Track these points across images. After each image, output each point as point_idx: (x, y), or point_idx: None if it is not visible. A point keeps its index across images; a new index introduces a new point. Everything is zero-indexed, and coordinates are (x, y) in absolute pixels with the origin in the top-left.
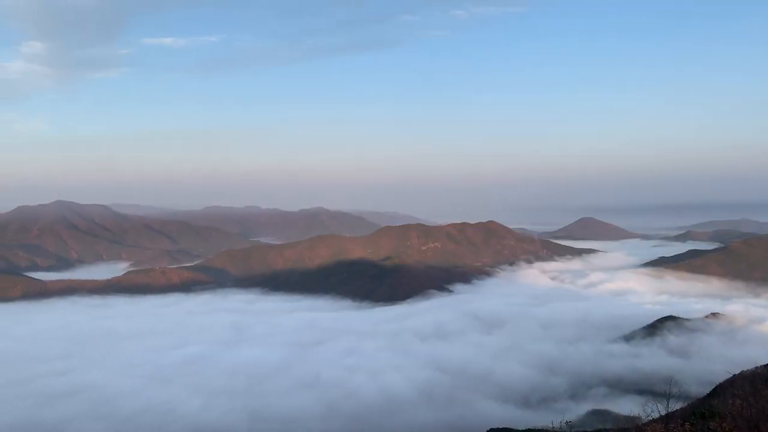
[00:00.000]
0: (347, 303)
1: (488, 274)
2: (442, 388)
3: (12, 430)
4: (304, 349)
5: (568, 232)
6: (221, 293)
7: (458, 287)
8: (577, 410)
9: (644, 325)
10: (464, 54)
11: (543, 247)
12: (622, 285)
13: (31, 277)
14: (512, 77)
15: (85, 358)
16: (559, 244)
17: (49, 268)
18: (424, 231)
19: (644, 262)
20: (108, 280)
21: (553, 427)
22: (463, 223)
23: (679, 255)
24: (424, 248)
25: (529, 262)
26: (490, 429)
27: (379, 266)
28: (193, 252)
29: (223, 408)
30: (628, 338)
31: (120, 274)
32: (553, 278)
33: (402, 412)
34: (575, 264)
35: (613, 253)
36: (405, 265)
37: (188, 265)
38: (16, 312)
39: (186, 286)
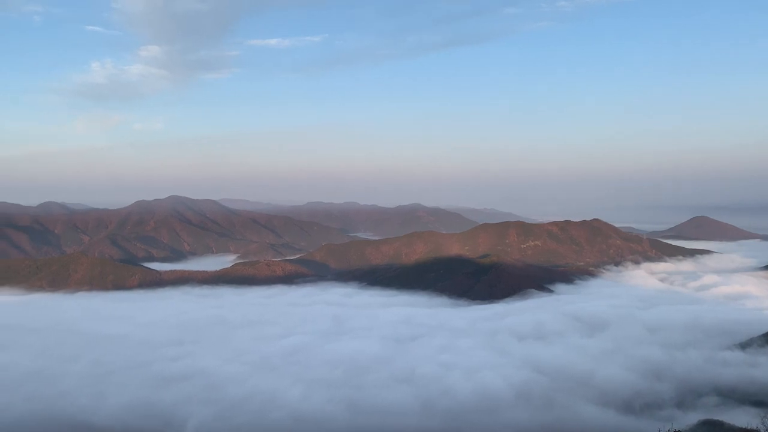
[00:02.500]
0: (443, 300)
1: (592, 275)
2: (540, 390)
3: (132, 409)
4: (401, 344)
5: (680, 232)
6: (321, 286)
7: (559, 287)
8: (685, 419)
9: (763, 332)
10: (567, 46)
11: (651, 247)
12: (738, 288)
13: (147, 268)
14: (616, 70)
15: (197, 345)
16: (670, 244)
17: (163, 259)
18: (524, 229)
19: (764, 264)
20: (217, 272)
21: None
22: (566, 221)
23: None
24: (523, 246)
25: (636, 262)
26: None
27: (476, 264)
28: (295, 246)
29: (322, 398)
30: (744, 346)
31: (228, 265)
32: (661, 280)
33: (498, 412)
34: (686, 265)
35: (730, 254)
36: (504, 263)
37: (291, 258)
38: (134, 299)
39: (289, 279)
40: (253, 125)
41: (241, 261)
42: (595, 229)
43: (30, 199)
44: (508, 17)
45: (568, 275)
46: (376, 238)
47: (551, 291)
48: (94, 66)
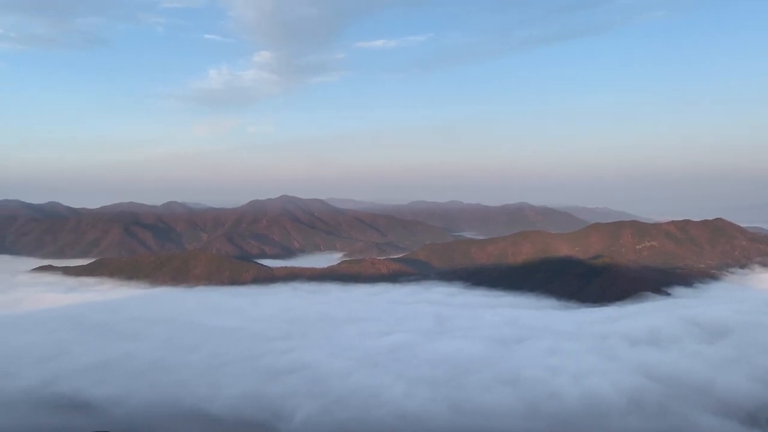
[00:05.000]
0: (551, 302)
1: (713, 278)
2: (653, 397)
3: (243, 400)
4: (505, 346)
5: None
6: (425, 285)
7: (677, 290)
8: None
9: None
10: (685, 36)
11: None
12: None
13: (260, 264)
14: (740, 60)
15: (304, 339)
16: None
17: (275, 256)
18: (640, 228)
19: None
20: (324, 269)
21: None
22: (685, 221)
23: None
24: (638, 247)
25: (765, 265)
26: None
27: (587, 265)
28: (399, 244)
29: (424, 397)
30: None
31: (335, 263)
32: None
33: (608, 418)
34: None
35: None
36: (617, 264)
37: (395, 256)
38: (247, 294)
39: (392, 277)
40: (359, 126)
41: (347, 259)
42: (718, 228)
43: (154, 199)
44: (621, 8)
45: (687, 278)
46: (481, 237)
47: (668, 294)
48: (211, 73)
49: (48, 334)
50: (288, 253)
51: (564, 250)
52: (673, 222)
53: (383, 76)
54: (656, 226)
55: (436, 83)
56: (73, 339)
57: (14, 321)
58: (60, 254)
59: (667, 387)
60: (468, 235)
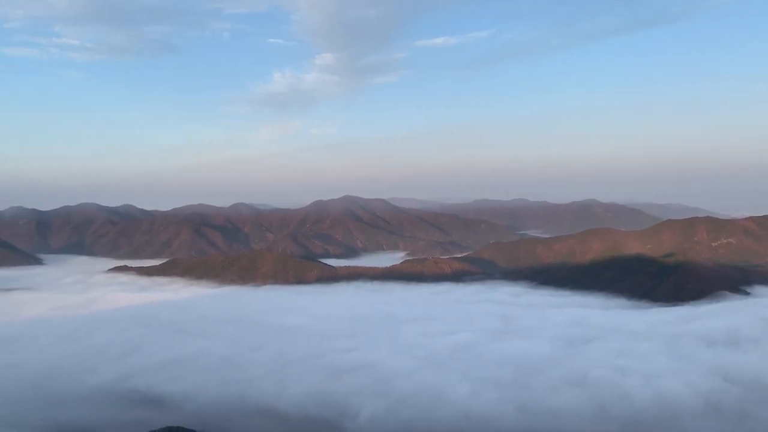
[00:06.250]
0: (621, 301)
1: None
2: (732, 401)
3: (309, 397)
4: (573, 346)
5: None
6: (489, 284)
7: (757, 289)
8: None
9: None
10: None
11: None
12: None
13: (324, 263)
14: None
15: (368, 338)
16: None
17: (338, 256)
18: (716, 225)
19: None
20: (387, 268)
21: None
22: (766, 216)
23: None
24: (714, 244)
25: None
26: None
27: (659, 263)
28: (462, 243)
29: (490, 397)
30: None
31: (397, 262)
32: None
33: (682, 422)
34: None
35: None
36: (691, 262)
37: (458, 256)
38: (312, 293)
39: (456, 276)
40: (421, 125)
41: (410, 258)
42: None
43: (223, 201)
44: None
45: (767, 276)
46: (547, 236)
47: (747, 293)
48: (275, 76)
49: (122, 332)
50: (351, 252)
51: (635, 248)
52: (751, 218)
53: (445, 73)
54: (733, 222)
55: (498, 79)
56: (145, 337)
57: (91, 320)
58: (134, 255)
59: (746, 390)
60: (534, 233)
